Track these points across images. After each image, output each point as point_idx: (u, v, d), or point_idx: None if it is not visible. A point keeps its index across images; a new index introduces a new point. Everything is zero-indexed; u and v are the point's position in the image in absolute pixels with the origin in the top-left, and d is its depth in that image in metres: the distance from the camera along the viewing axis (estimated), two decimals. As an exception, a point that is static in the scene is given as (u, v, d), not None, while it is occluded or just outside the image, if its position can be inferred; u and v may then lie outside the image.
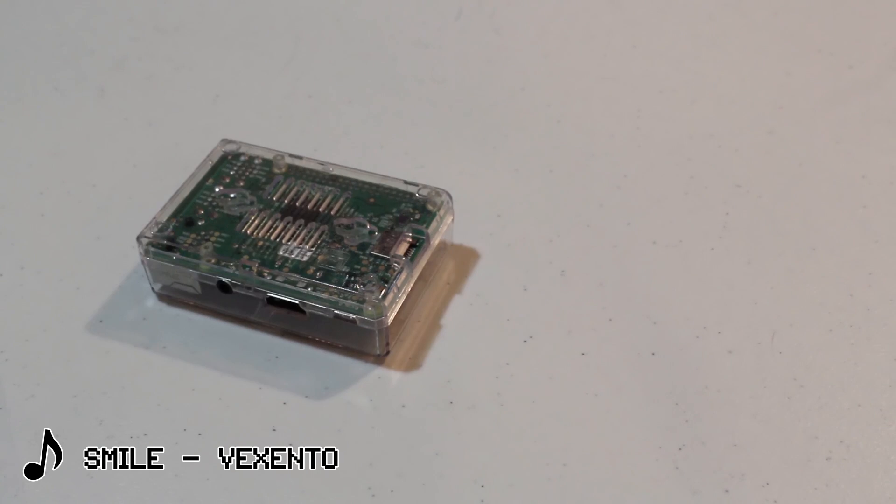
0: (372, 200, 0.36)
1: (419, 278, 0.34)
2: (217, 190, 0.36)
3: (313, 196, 0.36)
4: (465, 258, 0.37)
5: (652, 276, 0.36)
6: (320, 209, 0.35)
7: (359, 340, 0.33)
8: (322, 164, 0.37)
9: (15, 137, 0.42)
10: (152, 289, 0.35)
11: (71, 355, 0.34)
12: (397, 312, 0.33)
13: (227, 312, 0.35)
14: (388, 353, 0.33)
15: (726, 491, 0.30)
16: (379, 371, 0.33)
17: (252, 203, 0.35)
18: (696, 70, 0.45)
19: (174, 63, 0.45)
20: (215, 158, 0.37)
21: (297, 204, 0.35)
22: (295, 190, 0.36)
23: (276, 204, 0.35)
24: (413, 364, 0.33)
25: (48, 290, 0.36)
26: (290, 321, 0.34)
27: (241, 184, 0.36)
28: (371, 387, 0.33)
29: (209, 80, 0.43)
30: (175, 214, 0.35)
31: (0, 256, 0.37)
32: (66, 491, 0.31)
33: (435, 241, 0.35)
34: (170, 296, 0.35)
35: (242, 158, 0.37)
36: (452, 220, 0.36)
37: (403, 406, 0.32)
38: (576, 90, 0.44)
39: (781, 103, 0.43)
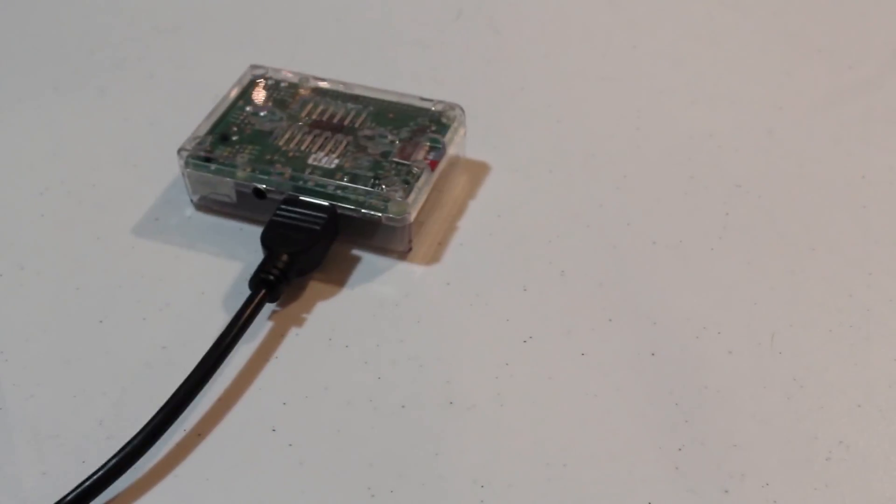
0: (391, 115, 0.39)
1: (435, 186, 0.37)
2: (248, 109, 0.39)
3: (337, 112, 0.39)
4: (478, 170, 0.40)
5: (652, 276, 0.36)
6: (345, 123, 0.38)
7: (384, 238, 0.36)
8: (345, 84, 0.40)
9: (15, 137, 0.42)
10: (191, 200, 0.38)
11: (71, 355, 0.34)
12: (418, 213, 0.36)
13: (262, 219, 0.36)
14: (410, 249, 0.36)
15: (726, 491, 0.30)
16: (403, 266, 0.36)
17: (281, 119, 0.38)
18: (696, 70, 0.45)
19: (174, 63, 0.45)
20: (245, 82, 0.40)
21: (324, 119, 0.38)
22: (321, 108, 0.39)
23: (305, 119, 0.39)
24: (433, 258, 0.37)
25: (48, 290, 0.36)
26: None
27: (270, 104, 0.39)
28: (397, 279, 0.36)
29: (209, 80, 0.43)
30: (211, 131, 0.38)
31: (0, 256, 0.37)
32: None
33: (451, 149, 0.38)
34: (208, 207, 0.38)
35: (270, 82, 0.40)
36: (465, 133, 0.39)
37: (403, 406, 0.32)
38: (576, 90, 0.44)
39: (781, 103, 0.43)
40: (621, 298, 0.35)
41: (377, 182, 0.36)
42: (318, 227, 0.35)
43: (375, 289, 0.36)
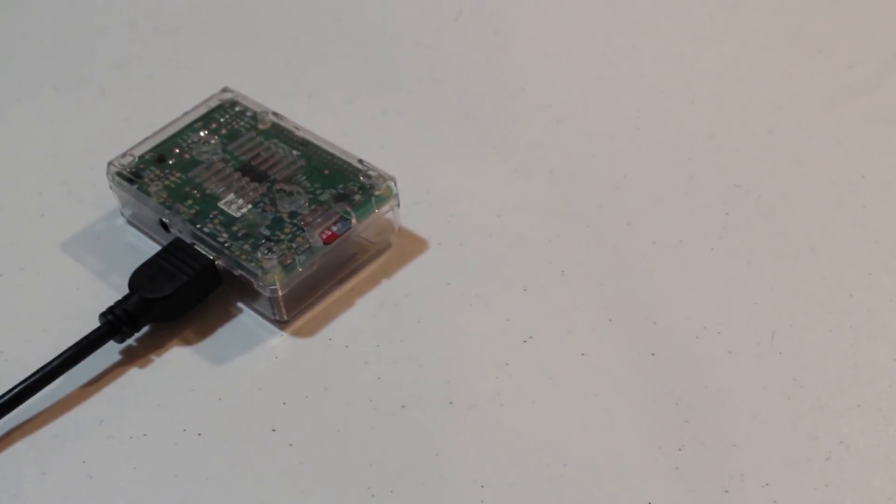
0: (326, 172, 0.37)
1: (341, 258, 0.35)
2: (202, 134, 0.38)
3: (273, 157, 0.37)
4: (412, 247, 0.37)
5: (652, 277, 0.36)
6: (271, 171, 0.36)
7: (261, 302, 0.35)
8: (298, 127, 0.38)
9: (15, 137, 0.42)
10: (121, 213, 0.38)
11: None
12: (301, 284, 0.34)
13: None
14: (286, 319, 0.34)
15: (726, 491, 0.30)
16: (273, 336, 0.35)
17: (216, 153, 0.37)
18: (696, 70, 0.45)
19: (174, 63, 0.45)
20: (212, 105, 0.39)
21: (255, 163, 0.37)
22: (260, 149, 0.37)
23: (237, 157, 0.37)
24: (309, 332, 0.34)
25: (48, 291, 0.36)
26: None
27: (224, 132, 0.38)
28: (258, 348, 0.34)
29: (209, 80, 0.43)
30: (154, 148, 0.37)
31: (0, 256, 0.37)
32: (66, 491, 0.31)
33: (364, 225, 0.35)
34: (135, 224, 0.38)
35: (237, 108, 0.39)
36: (397, 206, 0.36)
37: (403, 406, 0.32)
38: (576, 90, 0.44)
39: (781, 103, 0.43)
40: (621, 298, 0.35)
41: (267, 243, 0.34)
42: (186, 278, 0.34)
43: (230, 352, 0.34)
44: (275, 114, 0.38)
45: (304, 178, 0.36)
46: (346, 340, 0.34)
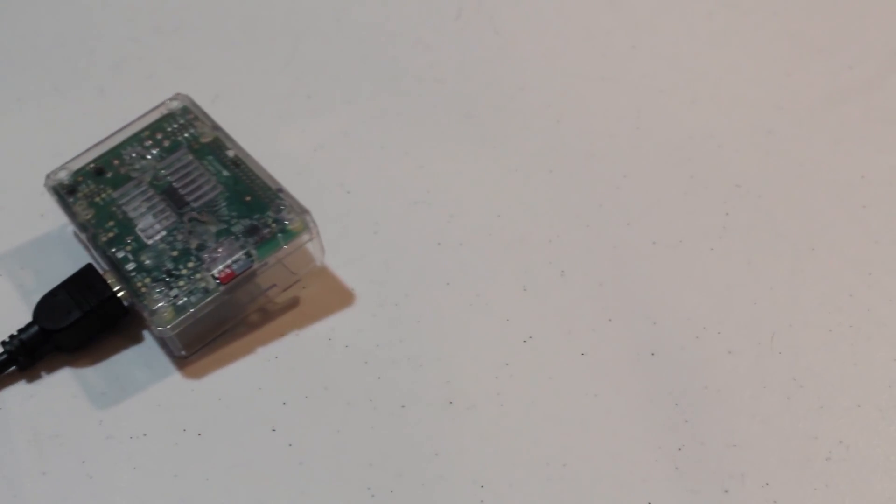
0: (248, 199, 0.35)
1: (253, 292, 0.34)
2: (146, 144, 0.37)
3: (200, 179, 0.36)
4: (331, 292, 0.35)
5: (652, 276, 0.36)
6: (192, 195, 0.35)
7: (159, 337, 0.34)
8: (232, 146, 0.36)
9: (15, 137, 0.42)
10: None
11: (70, 355, 0.34)
12: (199, 322, 0.33)
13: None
14: (184, 356, 0.33)
15: (726, 491, 0.30)
16: (166, 373, 0.34)
17: (148, 170, 0.36)
18: (696, 70, 0.45)
19: (174, 63, 0.45)
20: (165, 111, 0.38)
21: (178, 184, 0.36)
22: (191, 168, 0.36)
23: (165, 178, 0.36)
24: (198, 375, 0.33)
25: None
26: None
27: (167, 144, 0.37)
28: (155, 380, 0.33)
29: (209, 80, 0.43)
30: (96, 160, 0.37)
31: None
32: (66, 491, 0.31)
33: (271, 262, 0.34)
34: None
35: (186, 118, 0.38)
36: (309, 241, 0.34)
37: (403, 406, 0.32)
38: (576, 90, 0.44)
39: (781, 103, 0.43)
40: (621, 298, 0.35)
41: (167, 279, 0.33)
42: (86, 310, 0.33)
43: (115, 384, 0.33)
44: (216, 127, 0.37)
45: (225, 204, 0.35)
46: (346, 340, 0.34)
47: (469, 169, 0.40)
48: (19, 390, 0.33)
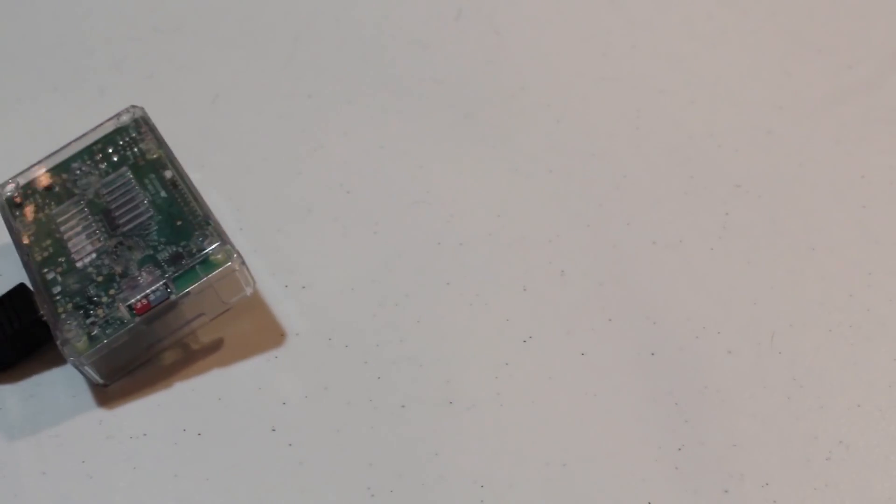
0: (179, 224, 0.34)
1: (177, 321, 0.33)
2: (97, 158, 0.36)
3: (132, 202, 0.34)
4: (263, 328, 0.34)
5: (652, 276, 0.36)
6: (125, 217, 0.34)
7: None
8: (172, 167, 0.35)
9: (15, 137, 0.42)
10: None
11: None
12: (116, 352, 0.32)
13: None
14: (105, 385, 0.33)
15: (726, 491, 0.30)
16: (87, 403, 0.33)
17: (89, 188, 0.35)
18: (696, 70, 0.45)
19: (174, 63, 0.45)
20: (117, 125, 0.37)
21: (114, 205, 0.35)
22: (129, 188, 0.35)
23: (102, 198, 0.35)
24: (114, 404, 0.33)
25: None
26: None
27: (116, 159, 0.36)
28: (73, 406, 0.33)
29: (209, 80, 0.43)
30: (48, 172, 0.36)
31: (2, 257, 0.37)
32: (66, 491, 0.31)
33: (193, 293, 0.32)
34: None
35: (139, 131, 0.37)
36: (232, 273, 0.32)
37: (403, 406, 0.32)
38: (576, 90, 0.44)
39: (781, 103, 0.43)
40: (621, 298, 0.35)
41: (87, 306, 0.32)
42: (9, 332, 0.32)
43: (37, 406, 0.33)
44: (162, 144, 0.36)
45: (156, 229, 0.34)
46: (346, 340, 0.34)
47: (469, 169, 0.40)
48: (19, 390, 0.33)
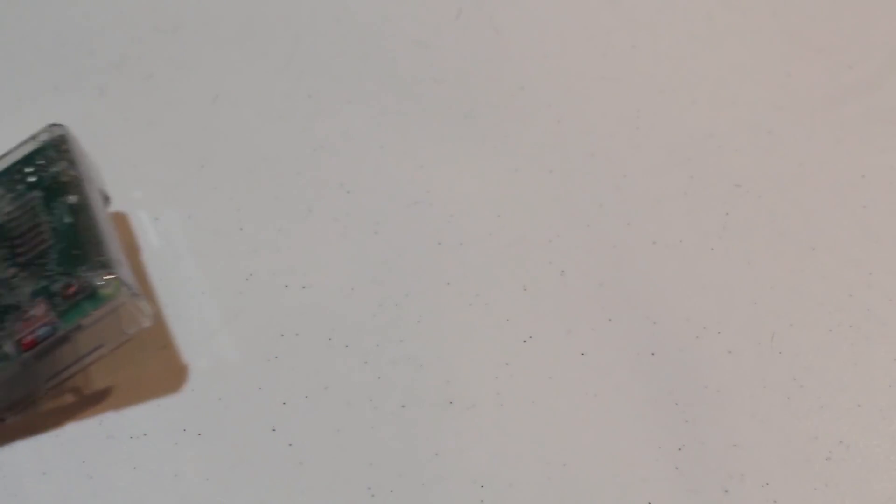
0: (76, 252, 0.32)
1: (74, 354, 0.31)
2: (16, 178, 0.34)
3: (40, 226, 0.33)
4: (162, 373, 0.33)
5: (652, 276, 0.36)
6: (25, 245, 0.32)
7: None
8: (78, 192, 0.33)
9: (15, 137, 0.42)
10: None
11: None
12: (5, 388, 0.31)
13: None
14: (2, 420, 0.32)
15: (726, 491, 0.30)
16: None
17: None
18: (696, 70, 0.45)
19: (174, 63, 0.45)
20: (36, 145, 0.35)
21: (15, 232, 0.33)
22: (33, 213, 0.33)
23: (8, 223, 0.33)
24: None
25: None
26: None
27: (32, 180, 0.34)
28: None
29: (209, 80, 0.43)
30: None
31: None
32: (66, 491, 0.31)
33: (85, 325, 0.31)
34: None
35: (60, 150, 0.35)
36: (124, 306, 0.31)
37: (403, 406, 0.32)
38: (576, 90, 0.44)
39: (781, 103, 0.43)
40: (621, 298, 0.35)
41: None
42: None
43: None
44: (74, 166, 0.34)
45: (55, 257, 0.32)
46: (346, 340, 0.34)
47: (469, 169, 0.40)
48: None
